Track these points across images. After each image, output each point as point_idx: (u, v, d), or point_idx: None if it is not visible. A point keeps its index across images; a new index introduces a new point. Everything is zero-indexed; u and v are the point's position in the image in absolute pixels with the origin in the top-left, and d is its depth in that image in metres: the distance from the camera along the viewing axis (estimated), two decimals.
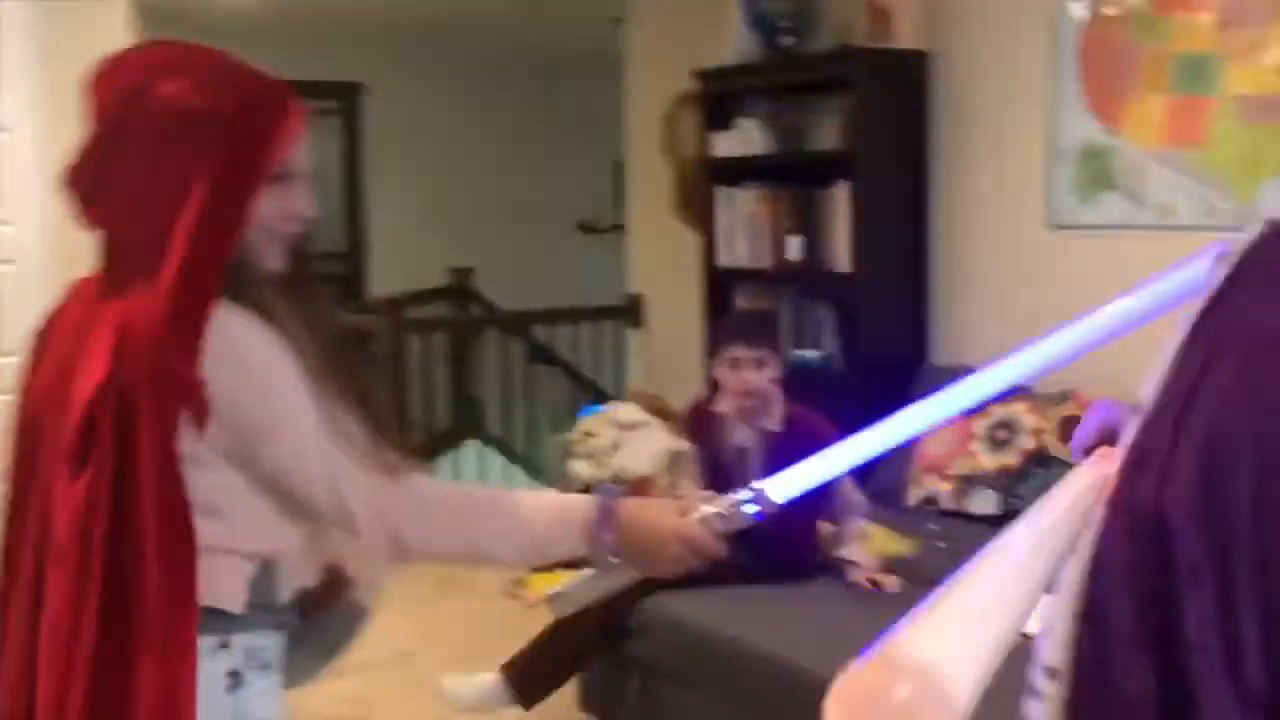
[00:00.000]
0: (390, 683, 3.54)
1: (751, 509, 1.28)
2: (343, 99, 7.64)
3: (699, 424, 3.10)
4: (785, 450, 2.90)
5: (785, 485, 1.26)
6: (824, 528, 3.01)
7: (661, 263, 5.04)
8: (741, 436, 3.00)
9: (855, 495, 2.97)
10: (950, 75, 3.80)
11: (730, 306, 4.24)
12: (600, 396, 5.81)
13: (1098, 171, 3.42)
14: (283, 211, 1.34)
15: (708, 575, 2.87)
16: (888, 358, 3.84)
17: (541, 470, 5.60)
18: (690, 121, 4.72)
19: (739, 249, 4.18)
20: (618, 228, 6.91)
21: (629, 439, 4.59)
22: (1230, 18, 3.05)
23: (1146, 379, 0.84)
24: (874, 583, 2.82)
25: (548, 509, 1.39)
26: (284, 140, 1.32)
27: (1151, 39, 3.24)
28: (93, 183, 1.31)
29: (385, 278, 7.50)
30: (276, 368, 1.29)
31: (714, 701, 2.72)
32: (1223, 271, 0.84)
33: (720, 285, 4.26)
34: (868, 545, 2.97)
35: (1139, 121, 3.30)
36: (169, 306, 1.23)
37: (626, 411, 4.72)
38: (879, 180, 3.79)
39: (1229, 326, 0.80)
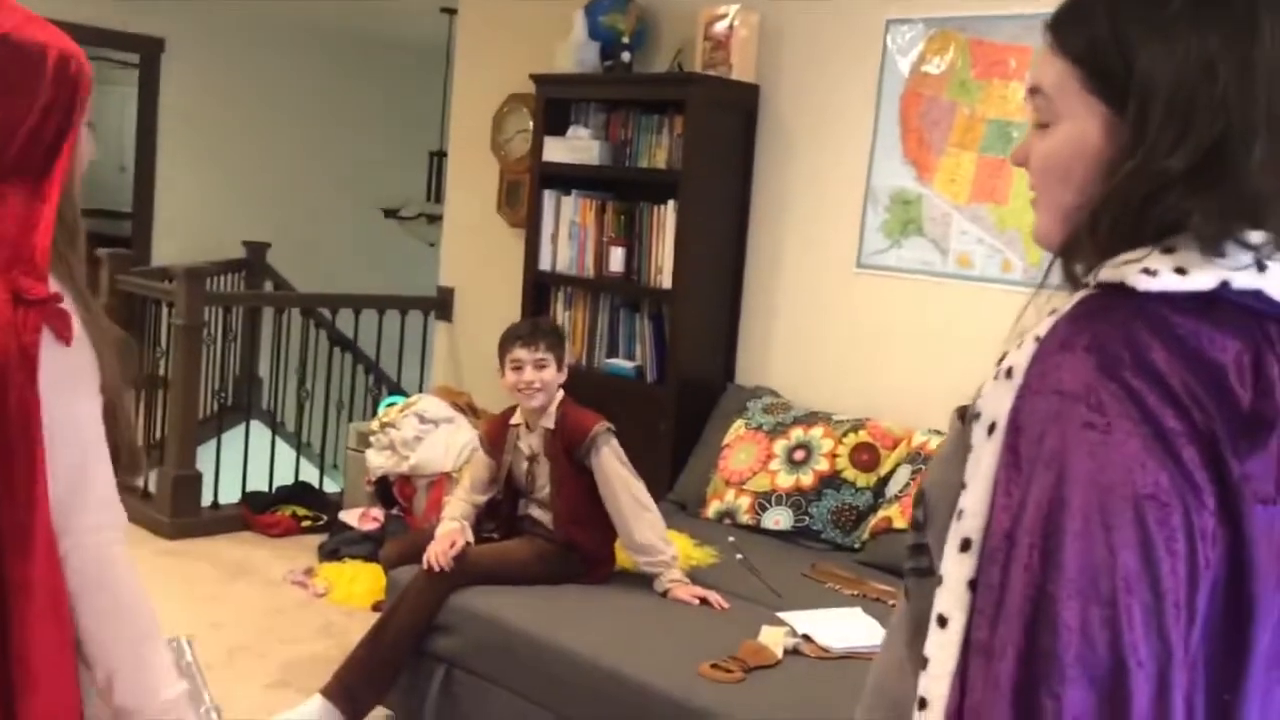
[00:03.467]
0: None
1: None
2: (143, 52, 7.25)
3: (495, 437, 3.18)
4: (558, 443, 3.02)
5: None
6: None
7: (479, 259, 5.04)
8: (530, 442, 3.10)
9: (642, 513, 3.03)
10: (778, 110, 3.98)
11: (547, 309, 4.30)
12: (394, 389, 5.74)
13: (907, 218, 3.67)
14: (84, 157, 1.31)
15: (513, 577, 2.94)
16: (697, 374, 3.98)
17: (321, 455, 5.48)
18: (520, 121, 4.75)
19: (562, 254, 4.24)
20: (427, 216, 6.85)
21: (431, 433, 4.57)
22: None
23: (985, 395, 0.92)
24: (703, 599, 2.91)
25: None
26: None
27: (968, 100, 3.50)
28: None
29: (169, 244, 7.17)
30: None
31: (516, 695, 2.75)
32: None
33: (540, 287, 4.31)
34: (680, 561, 3.06)
35: (948, 175, 3.56)
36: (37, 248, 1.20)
37: (430, 405, 4.69)
38: (704, 202, 3.92)
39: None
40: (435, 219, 6.28)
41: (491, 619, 2.83)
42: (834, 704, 2.28)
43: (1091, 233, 0.90)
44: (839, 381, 3.83)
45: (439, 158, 6.45)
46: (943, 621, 0.89)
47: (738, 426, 3.79)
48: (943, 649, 0.88)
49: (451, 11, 5.54)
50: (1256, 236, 0.88)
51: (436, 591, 2.90)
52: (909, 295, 3.67)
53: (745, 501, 3.61)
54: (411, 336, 5.33)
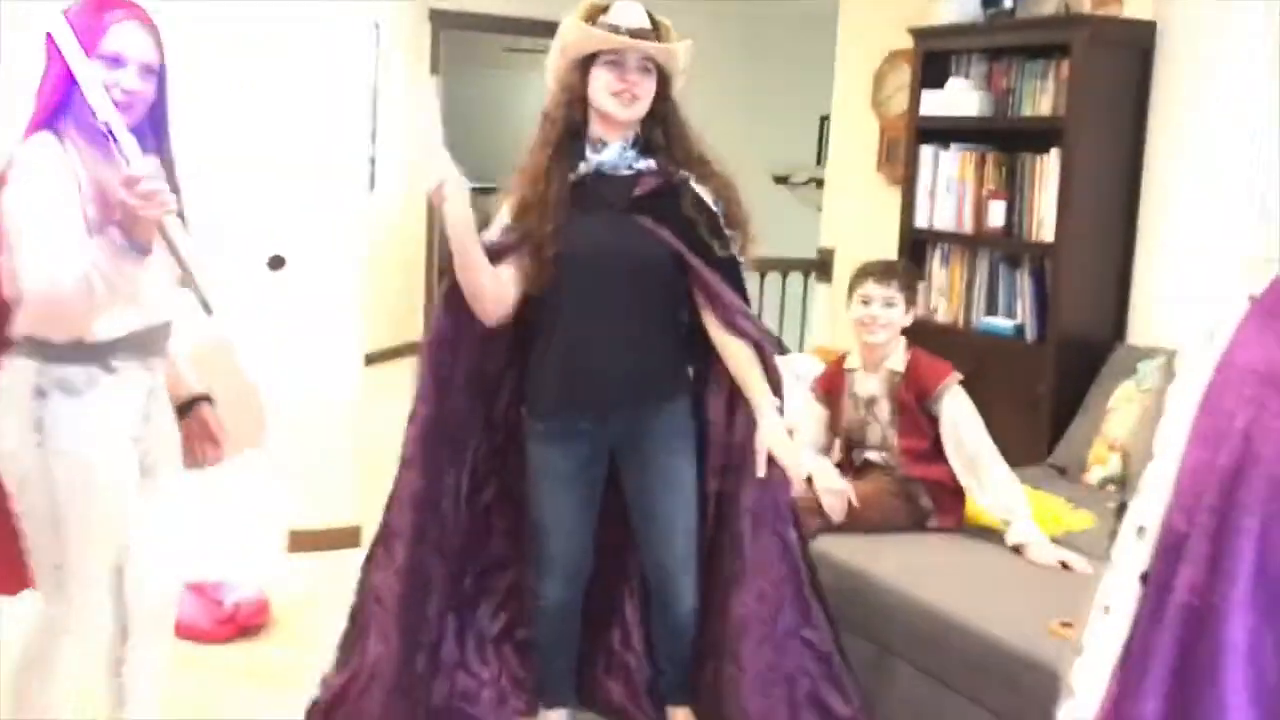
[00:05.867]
0: None
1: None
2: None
3: (829, 383, 3.18)
4: (906, 386, 2.96)
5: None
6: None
7: (858, 219, 5.04)
8: (867, 386, 3.07)
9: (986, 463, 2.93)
10: (1178, 48, 3.67)
11: (923, 267, 4.23)
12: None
13: None
14: (110, 80, 1.98)
15: (861, 519, 2.93)
16: (1082, 333, 3.77)
17: None
18: (901, 78, 4.70)
19: (940, 210, 4.15)
20: (815, 181, 6.92)
21: (804, 391, 4.66)
22: None
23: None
24: (1064, 564, 2.78)
25: None
26: (105, 31, 1.96)
27: None
28: None
29: None
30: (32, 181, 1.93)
31: (866, 641, 2.78)
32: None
33: (916, 244, 4.25)
34: (1053, 526, 2.94)
35: None
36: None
37: (805, 364, 4.77)
38: (1091, 150, 3.70)
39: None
40: (824, 184, 6.32)
41: (844, 566, 2.87)
42: None
43: None
44: None
45: (827, 122, 6.49)
46: (1106, 610, 0.83)
47: (1127, 389, 3.56)
48: (1101, 640, 0.81)
49: None
50: None
51: None
52: None
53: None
54: (792, 299, 5.42)
